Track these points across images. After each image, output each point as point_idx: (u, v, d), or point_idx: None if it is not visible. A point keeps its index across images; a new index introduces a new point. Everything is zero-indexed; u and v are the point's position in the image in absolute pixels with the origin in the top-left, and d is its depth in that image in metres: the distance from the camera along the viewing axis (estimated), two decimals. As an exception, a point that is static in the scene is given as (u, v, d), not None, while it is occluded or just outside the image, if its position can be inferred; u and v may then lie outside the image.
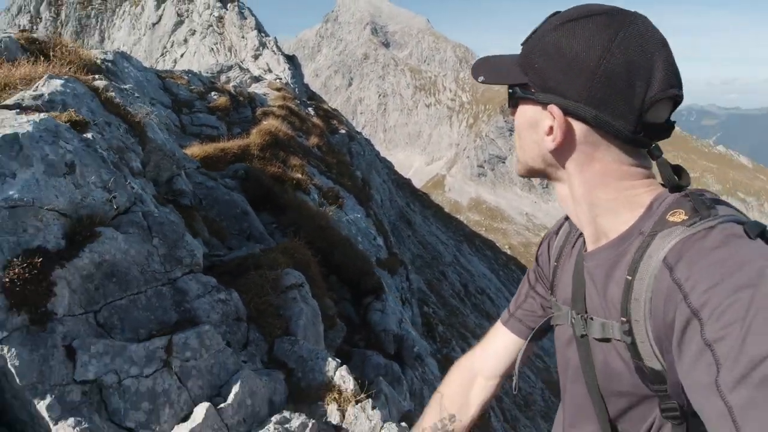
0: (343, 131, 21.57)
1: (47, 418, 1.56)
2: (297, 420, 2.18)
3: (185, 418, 1.92)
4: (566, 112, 0.85)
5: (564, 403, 1.13)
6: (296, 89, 22.13)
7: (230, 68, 18.26)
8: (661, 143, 0.90)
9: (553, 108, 0.86)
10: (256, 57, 26.04)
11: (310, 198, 8.44)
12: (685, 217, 0.79)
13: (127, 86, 4.36)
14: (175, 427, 1.86)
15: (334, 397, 2.47)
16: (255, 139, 9.39)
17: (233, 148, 8.37)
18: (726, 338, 0.64)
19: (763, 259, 0.68)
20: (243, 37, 27.60)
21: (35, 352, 1.64)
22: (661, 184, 0.90)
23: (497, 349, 1.28)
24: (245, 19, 28.82)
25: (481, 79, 0.97)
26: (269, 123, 11.28)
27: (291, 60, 25.91)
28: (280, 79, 21.54)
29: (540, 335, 1.23)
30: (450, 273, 24.62)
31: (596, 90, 0.81)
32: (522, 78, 0.90)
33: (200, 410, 1.92)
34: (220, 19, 29.81)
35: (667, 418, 0.85)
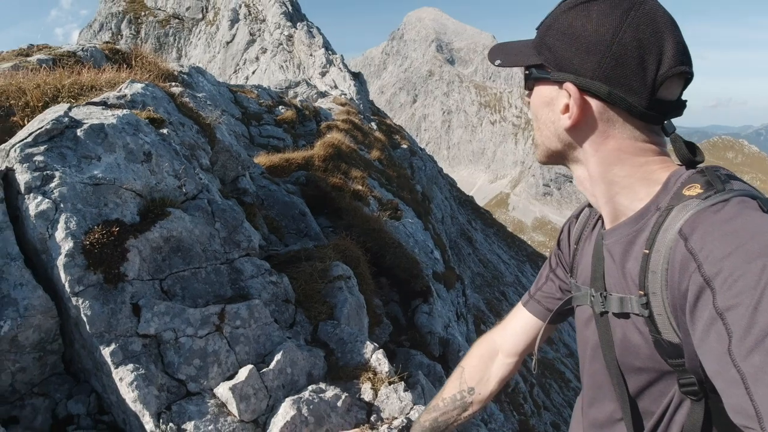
0: (404, 146, 21.90)
1: (109, 363, 1.82)
2: (331, 391, 2.34)
3: (230, 377, 2.13)
4: (581, 90, 0.87)
5: (583, 384, 1.15)
6: (361, 105, 22.78)
7: (298, 84, 19.10)
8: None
9: (569, 85, 0.88)
10: (323, 74, 27.05)
11: (369, 209, 8.70)
12: (701, 191, 0.80)
13: (200, 94, 4.79)
14: (221, 383, 2.08)
15: (369, 377, 2.62)
16: (318, 151, 9.80)
17: (297, 158, 8.81)
18: (737, 307, 0.66)
19: None
20: (311, 55, 28.81)
21: (106, 305, 1.92)
22: (678, 164, 0.91)
23: (517, 328, 1.32)
24: (313, 38, 30.13)
25: (497, 62, 1.00)
26: (332, 136, 11.72)
27: (356, 77, 26.73)
28: (345, 94, 22.25)
29: (559, 318, 1.26)
30: (511, 293, 24.09)
31: (609, 67, 0.84)
32: (537, 59, 0.93)
33: (244, 371, 2.13)
34: (290, 37, 31.36)
35: (686, 393, 0.86)
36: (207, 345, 2.14)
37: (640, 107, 0.85)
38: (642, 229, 0.87)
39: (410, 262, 5.85)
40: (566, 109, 0.90)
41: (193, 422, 1.83)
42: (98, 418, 1.97)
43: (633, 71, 0.83)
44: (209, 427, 1.85)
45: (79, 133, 2.19)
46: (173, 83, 4.04)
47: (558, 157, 1.00)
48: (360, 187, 9.40)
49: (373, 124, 19.76)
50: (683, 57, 0.83)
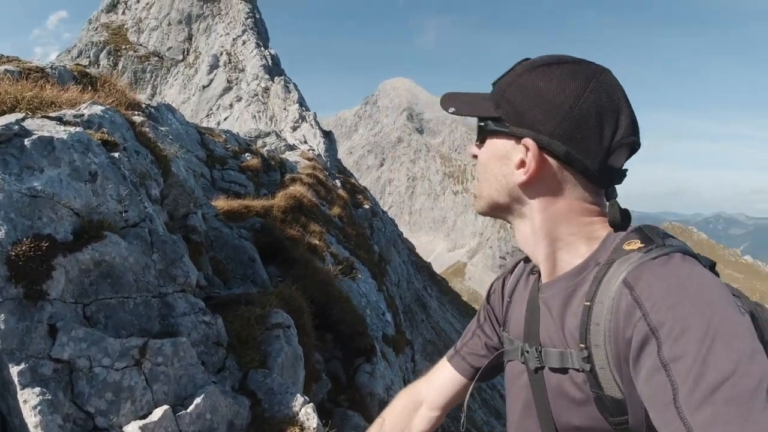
0: (366, 206, 22.17)
1: (16, 383, 1.68)
2: (252, 441, 2.22)
3: (143, 417, 2.00)
4: (540, 147, 0.89)
5: None
6: (328, 162, 23.11)
7: (268, 134, 19.28)
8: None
9: (529, 141, 0.89)
10: (294, 128, 27.48)
11: (324, 264, 8.61)
12: (641, 245, 0.83)
13: (163, 128, 4.77)
14: (132, 422, 1.94)
15: None
16: (279, 202, 9.73)
17: (257, 206, 8.70)
18: (683, 359, 0.66)
19: (718, 286, 0.74)
20: (285, 109, 29.39)
21: (21, 322, 1.80)
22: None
23: (441, 383, 1.28)
24: (289, 92, 30.87)
25: (452, 110, 1.00)
26: (295, 188, 11.71)
27: (327, 135, 27.29)
28: (313, 150, 22.56)
29: (486, 376, 1.21)
30: (461, 364, 23.83)
31: (569, 128, 0.87)
32: (495, 112, 0.94)
33: (159, 411, 2.01)
34: (266, 90, 32.02)
35: None
36: (123, 379, 2.02)
37: (594, 170, 0.88)
38: (581, 283, 0.88)
39: (357, 319, 5.77)
40: (521, 164, 0.91)
41: (92, 460, 1.69)
42: (-9, 447, 1.79)
43: (591, 135, 0.86)
44: (109, 468, 1.70)
45: (26, 143, 2.13)
46: (136, 112, 4.02)
47: (501, 210, 1.00)
48: (317, 242, 9.31)
49: (337, 181, 19.99)
50: (634, 128, 0.89)
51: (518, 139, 0.91)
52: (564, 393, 0.90)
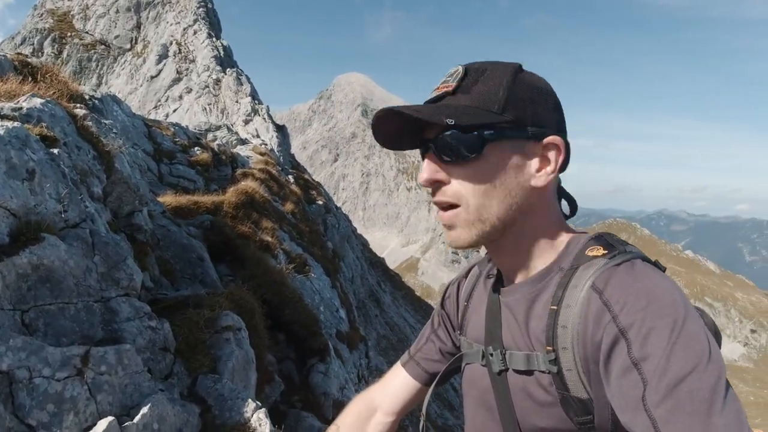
0: (320, 202, 21.96)
1: (-53, 399, 1.57)
2: (202, 450, 2.17)
3: (87, 429, 1.91)
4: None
5: None
6: (281, 157, 22.71)
7: (218, 128, 18.76)
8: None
9: (557, 139, 0.87)
10: (246, 122, 26.83)
11: (276, 261, 8.46)
12: (605, 251, 0.86)
13: (107, 121, 4.56)
14: (75, 434, 1.86)
15: (247, 437, 2.47)
16: (230, 198, 9.44)
17: (207, 202, 8.43)
18: (651, 357, 0.69)
19: (678, 290, 0.78)
20: (237, 102, 28.65)
21: (-49, 333, 1.68)
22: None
23: (396, 388, 1.27)
24: (241, 85, 30.10)
25: (450, 121, 0.83)
26: (247, 184, 11.40)
27: (280, 129, 26.82)
28: (266, 144, 22.12)
29: (441, 380, 1.21)
30: (414, 358, 24.04)
31: (561, 119, 0.90)
32: (507, 116, 0.85)
33: (104, 423, 1.93)
34: (218, 81, 31.09)
35: None
36: (65, 390, 1.92)
37: (568, 161, 0.91)
38: (545, 288, 0.89)
39: (310, 318, 5.72)
40: (544, 165, 0.88)
41: (30, 478, 1.61)
42: None
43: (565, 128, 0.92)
44: (49, 485, 1.62)
45: (-46, 141, 1.99)
46: (78, 105, 3.81)
47: (499, 232, 0.90)
48: (269, 239, 9.14)
49: (290, 177, 19.70)
50: None
51: (538, 139, 0.87)
52: (529, 395, 0.90)
